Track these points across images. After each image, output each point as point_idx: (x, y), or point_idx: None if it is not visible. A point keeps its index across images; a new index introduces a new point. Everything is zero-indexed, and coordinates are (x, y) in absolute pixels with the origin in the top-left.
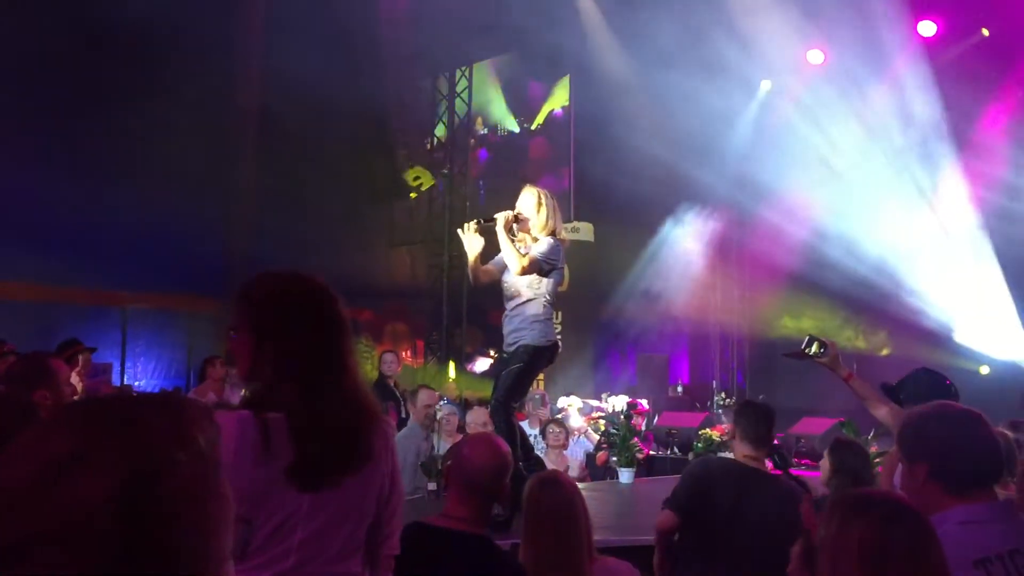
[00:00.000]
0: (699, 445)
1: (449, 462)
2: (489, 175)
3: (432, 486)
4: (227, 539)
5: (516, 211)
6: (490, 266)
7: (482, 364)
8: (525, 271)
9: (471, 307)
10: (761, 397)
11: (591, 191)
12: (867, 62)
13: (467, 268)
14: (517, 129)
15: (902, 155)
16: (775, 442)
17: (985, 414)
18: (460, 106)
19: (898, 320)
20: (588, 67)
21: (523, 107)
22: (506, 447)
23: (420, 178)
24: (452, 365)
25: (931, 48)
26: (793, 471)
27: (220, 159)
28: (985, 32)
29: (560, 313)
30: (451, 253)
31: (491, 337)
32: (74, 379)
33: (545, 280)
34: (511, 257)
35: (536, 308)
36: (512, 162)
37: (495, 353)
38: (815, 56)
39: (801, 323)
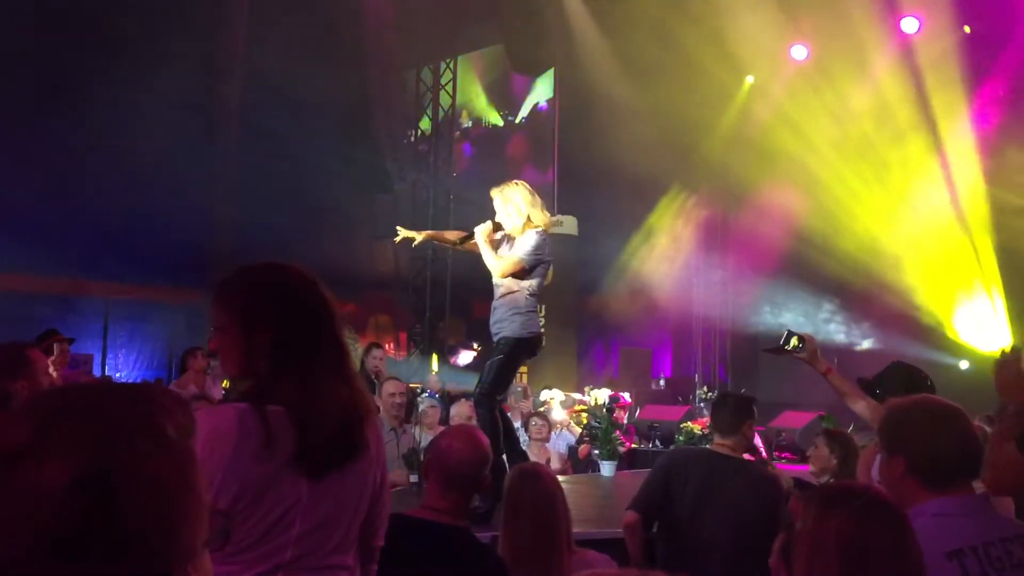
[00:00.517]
0: (681, 438)
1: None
2: (473, 169)
3: (414, 478)
4: (198, 532)
5: (495, 221)
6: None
7: (466, 357)
8: (506, 274)
9: (455, 299)
10: (743, 390)
11: (575, 184)
12: (850, 58)
13: (450, 251)
14: (501, 123)
15: (885, 149)
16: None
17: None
18: (444, 99)
19: (881, 314)
20: (573, 60)
21: (507, 100)
22: (486, 439)
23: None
24: (435, 358)
25: (914, 44)
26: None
27: (202, 150)
28: (967, 29)
29: (543, 306)
30: (434, 246)
31: (475, 330)
32: (48, 369)
33: (531, 276)
34: (492, 265)
35: (519, 301)
36: (496, 156)
37: (478, 346)
38: (799, 51)
39: (783, 317)
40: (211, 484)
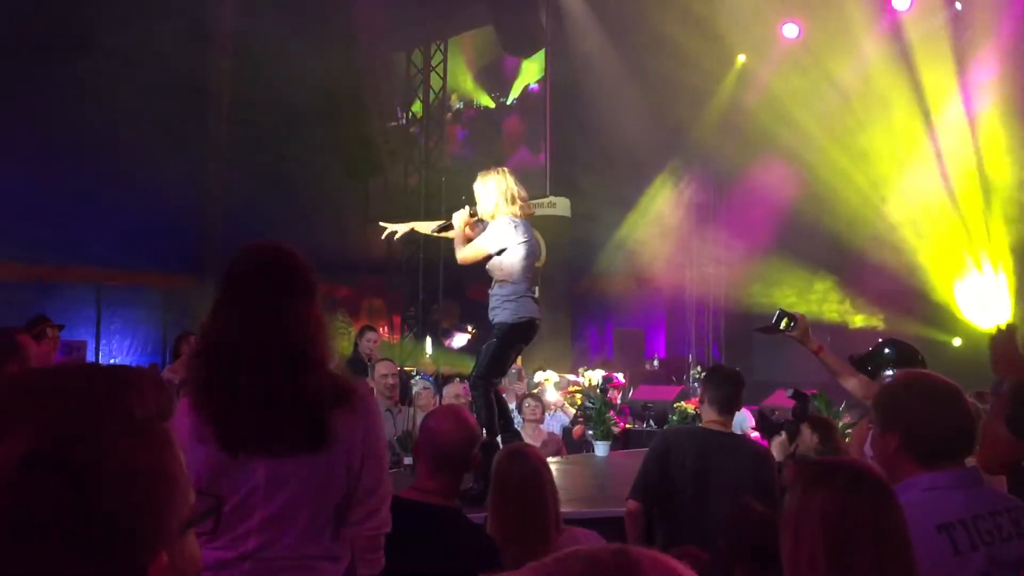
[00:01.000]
0: (674, 418)
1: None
2: (465, 151)
3: (408, 460)
4: (172, 516)
5: (472, 208)
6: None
7: (460, 339)
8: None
9: (449, 282)
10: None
11: (568, 165)
12: (841, 36)
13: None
14: (493, 104)
15: (876, 127)
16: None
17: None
18: (435, 82)
19: (874, 292)
20: (564, 41)
21: (498, 82)
22: (472, 419)
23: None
24: (429, 340)
25: (905, 21)
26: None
27: (193, 135)
28: (959, 5)
29: (537, 288)
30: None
31: (469, 312)
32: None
33: (507, 261)
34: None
35: (506, 288)
36: (489, 138)
37: (473, 328)
38: (790, 30)
39: (776, 295)
40: None
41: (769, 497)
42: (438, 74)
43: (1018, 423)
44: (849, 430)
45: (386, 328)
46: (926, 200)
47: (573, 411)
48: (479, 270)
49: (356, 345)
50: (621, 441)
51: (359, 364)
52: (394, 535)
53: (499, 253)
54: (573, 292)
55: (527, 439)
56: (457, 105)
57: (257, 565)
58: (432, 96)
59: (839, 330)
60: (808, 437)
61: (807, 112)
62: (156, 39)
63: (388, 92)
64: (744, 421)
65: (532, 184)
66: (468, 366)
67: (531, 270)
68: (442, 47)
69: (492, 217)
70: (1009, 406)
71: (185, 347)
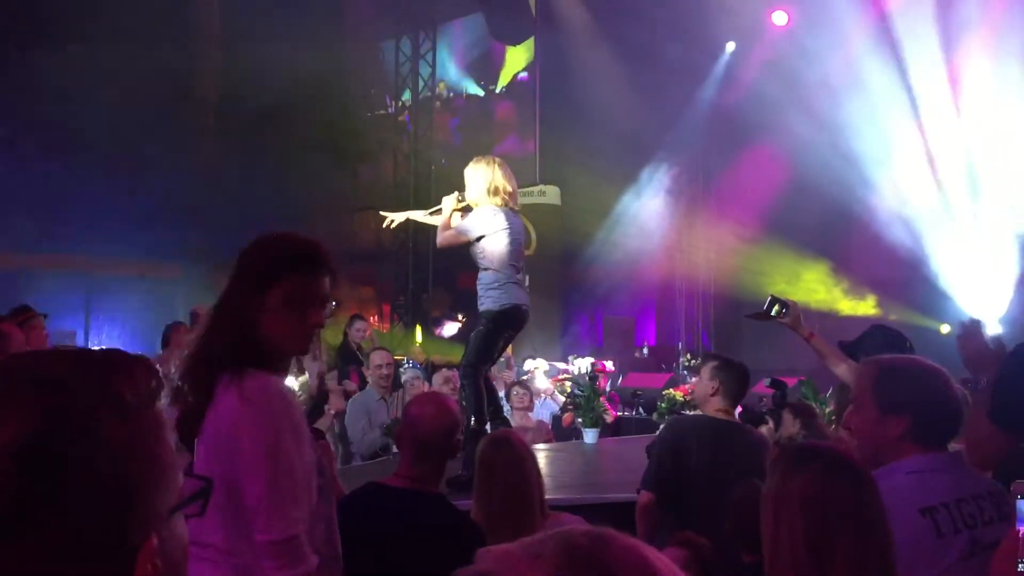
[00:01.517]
0: (663, 405)
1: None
2: (455, 139)
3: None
4: (160, 500)
5: (461, 194)
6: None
7: (450, 328)
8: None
9: (439, 271)
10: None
11: (557, 153)
12: (831, 23)
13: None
14: (481, 93)
15: (866, 112)
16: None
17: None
18: (424, 70)
19: (863, 279)
20: (553, 29)
21: (487, 70)
22: (454, 405)
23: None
24: (419, 329)
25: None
26: None
27: (181, 126)
28: None
29: (527, 277)
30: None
31: (459, 301)
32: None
33: (489, 249)
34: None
35: (488, 277)
36: (478, 126)
37: (463, 317)
38: (779, 17)
39: (766, 282)
40: None
41: None
42: (427, 62)
43: (1002, 414)
44: (835, 417)
45: (376, 317)
46: (914, 187)
47: (563, 399)
48: (470, 260)
49: (345, 334)
50: (611, 429)
51: (349, 353)
52: (380, 521)
53: (479, 240)
54: (563, 280)
55: (515, 427)
56: (446, 93)
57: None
58: (421, 84)
59: (829, 316)
60: (790, 423)
61: (796, 99)
62: (143, 29)
63: (377, 81)
64: None
65: (522, 172)
66: (459, 355)
67: (515, 257)
68: (431, 35)
69: (476, 205)
70: (991, 399)
71: (175, 336)
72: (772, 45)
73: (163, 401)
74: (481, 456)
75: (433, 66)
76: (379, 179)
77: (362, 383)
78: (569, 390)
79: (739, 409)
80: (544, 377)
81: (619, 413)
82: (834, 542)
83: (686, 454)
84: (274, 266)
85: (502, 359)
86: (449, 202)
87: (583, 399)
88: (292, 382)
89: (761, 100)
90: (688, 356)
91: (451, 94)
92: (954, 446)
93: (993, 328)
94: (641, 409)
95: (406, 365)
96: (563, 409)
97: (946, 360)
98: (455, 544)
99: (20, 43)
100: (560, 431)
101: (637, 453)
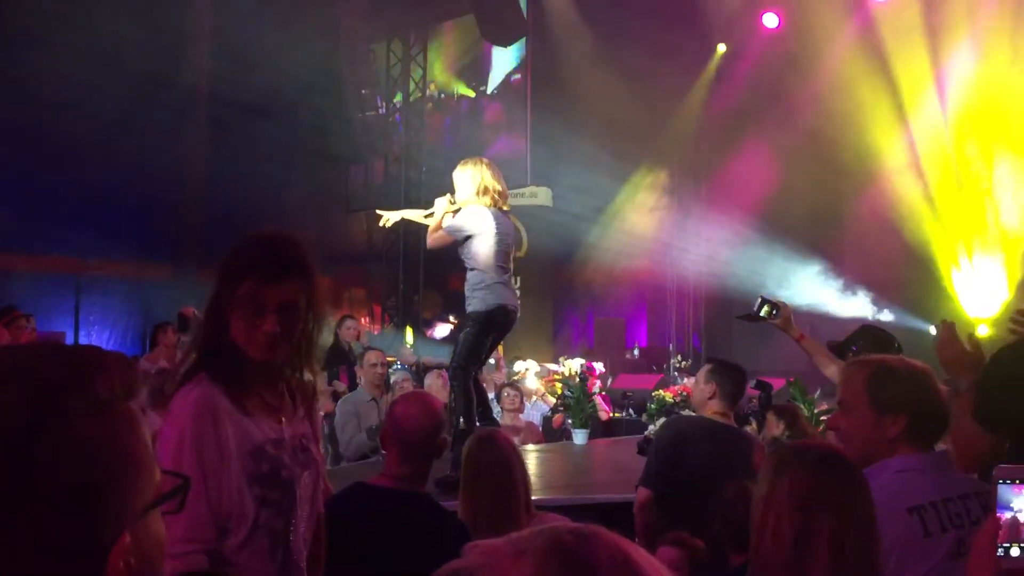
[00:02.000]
0: (652, 407)
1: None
2: (446, 140)
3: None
4: (134, 496)
5: (451, 197)
6: None
7: (442, 330)
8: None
9: (430, 272)
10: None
11: (548, 155)
12: (821, 25)
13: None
14: (473, 94)
15: (858, 114)
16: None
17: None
18: (416, 71)
19: (852, 280)
20: (544, 30)
21: (479, 72)
22: (439, 404)
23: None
24: (410, 330)
25: (881, 9)
26: None
27: (172, 126)
28: None
29: (518, 278)
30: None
31: (450, 302)
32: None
33: (476, 249)
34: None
35: (475, 277)
36: (470, 127)
37: (455, 319)
38: (770, 19)
39: (755, 284)
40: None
41: None
42: (418, 64)
43: (986, 414)
44: (825, 417)
45: (367, 318)
46: (903, 189)
47: (553, 400)
48: (460, 261)
49: (336, 334)
50: (603, 430)
51: (340, 352)
52: (367, 521)
53: (466, 240)
54: (554, 281)
55: (505, 427)
56: (437, 94)
57: None
58: (412, 86)
59: (819, 318)
60: (774, 424)
61: (787, 100)
62: (134, 29)
63: (368, 82)
64: None
65: (513, 174)
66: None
67: (502, 258)
68: (423, 37)
69: (466, 206)
70: (974, 400)
71: (162, 336)
72: (763, 47)
73: (141, 398)
74: (467, 455)
75: (424, 68)
76: (370, 180)
77: (352, 383)
78: (560, 391)
79: None
80: (535, 378)
81: (613, 414)
82: (821, 537)
83: (683, 453)
84: (236, 266)
85: (491, 361)
86: (441, 204)
87: (573, 400)
88: None
89: (752, 101)
90: (679, 357)
91: (442, 95)
92: (940, 447)
93: (980, 329)
94: (631, 410)
95: (396, 367)
96: (553, 410)
97: (932, 361)
98: (441, 543)
99: (31, 41)
100: (550, 432)
101: (626, 455)
